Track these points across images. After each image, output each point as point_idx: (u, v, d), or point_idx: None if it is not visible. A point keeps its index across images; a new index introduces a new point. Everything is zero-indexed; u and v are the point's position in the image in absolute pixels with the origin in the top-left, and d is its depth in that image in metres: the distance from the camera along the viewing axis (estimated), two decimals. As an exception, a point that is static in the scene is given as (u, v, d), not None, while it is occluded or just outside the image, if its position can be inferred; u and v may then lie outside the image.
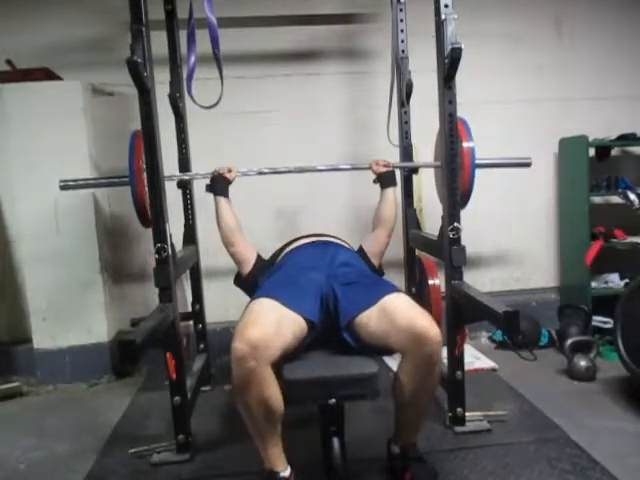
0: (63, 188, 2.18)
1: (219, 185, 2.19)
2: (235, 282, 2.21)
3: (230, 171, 2.22)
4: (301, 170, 2.46)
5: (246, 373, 1.42)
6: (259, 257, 2.16)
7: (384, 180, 2.31)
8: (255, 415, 1.49)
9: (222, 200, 2.17)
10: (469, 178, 2.07)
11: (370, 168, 2.34)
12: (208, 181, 2.23)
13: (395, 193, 2.32)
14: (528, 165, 2.31)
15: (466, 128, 2.08)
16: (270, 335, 1.46)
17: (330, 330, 1.69)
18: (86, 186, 2.29)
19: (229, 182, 2.21)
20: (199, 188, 2.65)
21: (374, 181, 2.34)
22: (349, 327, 1.66)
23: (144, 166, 1.93)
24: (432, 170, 2.46)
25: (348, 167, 2.63)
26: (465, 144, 2.05)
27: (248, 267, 2.12)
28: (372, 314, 1.62)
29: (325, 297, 1.72)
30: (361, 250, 2.22)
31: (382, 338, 1.59)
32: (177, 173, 2.49)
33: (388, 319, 1.57)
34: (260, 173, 2.35)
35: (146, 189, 1.98)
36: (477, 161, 2.07)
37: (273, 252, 2.19)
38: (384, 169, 2.31)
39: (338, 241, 2.18)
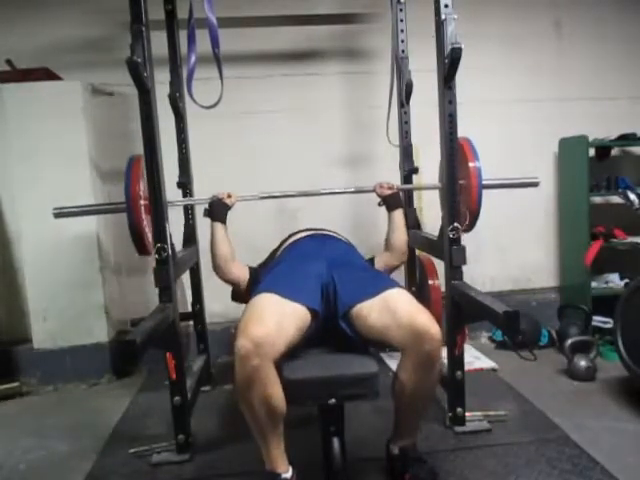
0: (57, 216, 2.10)
1: (217, 211, 2.13)
2: (234, 299, 2.19)
3: (230, 196, 2.17)
4: (305, 194, 2.45)
5: (250, 371, 1.42)
6: (252, 269, 2.13)
7: (390, 203, 2.27)
8: (257, 414, 1.48)
9: (219, 226, 2.11)
10: (476, 199, 2.00)
11: (374, 191, 2.30)
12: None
13: (402, 215, 2.29)
14: (535, 185, 2.22)
15: (472, 148, 2.02)
16: (273, 332, 1.46)
17: (329, 320, 1.69)
18: (81, 213, 2.18)
19: (228, 208, 2.16)
20: (199, 189, 2.66)
21: (379, 204, 2.30)
22: (346, 315, 1.65)
23: (141, 193, 1.90)
24: (432, 170, 2.46)
25: (351, 190, 2.56)
26: (471, 164, 1.99)
27: (244, 284, 2.10)
28: (373, 306, 1.61)
29: (325, 286, 1.72)
30: (371, 262, 2.20)
31: (381, 332, 1.59)
32: (179, 198, 2.52)
33: (389, 313, 1.57)
34: (262, 198, 2.32)
35: (143, 217, 1.93)
36: (484, 182, 2.00)
37: (273, 249, 2.19)
38: (388, 192, 2.27)
39: (336, 235, 2.19)
